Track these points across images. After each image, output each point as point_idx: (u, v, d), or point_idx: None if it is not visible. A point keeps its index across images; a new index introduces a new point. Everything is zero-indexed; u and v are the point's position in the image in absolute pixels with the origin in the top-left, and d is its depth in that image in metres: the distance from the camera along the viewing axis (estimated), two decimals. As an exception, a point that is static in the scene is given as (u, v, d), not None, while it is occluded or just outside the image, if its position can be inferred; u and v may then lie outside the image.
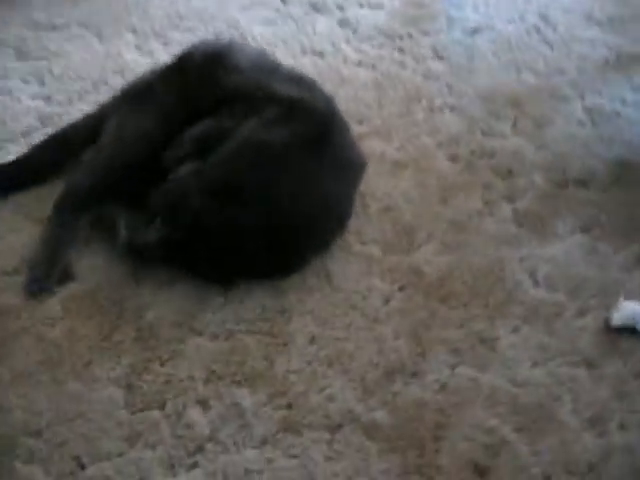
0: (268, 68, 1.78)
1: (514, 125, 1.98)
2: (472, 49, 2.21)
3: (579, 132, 1.96)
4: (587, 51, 2.21)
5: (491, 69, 2.15)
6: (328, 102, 1.75)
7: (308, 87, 1.75)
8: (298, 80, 1.76)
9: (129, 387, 1.43)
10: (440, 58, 2.18)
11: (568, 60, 2.19)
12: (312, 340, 1.50)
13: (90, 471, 1.33)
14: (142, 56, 2.10)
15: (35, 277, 1.57)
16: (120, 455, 1.35)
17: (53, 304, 1.55)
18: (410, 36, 2.24)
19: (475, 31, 2.24)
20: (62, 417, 1.39)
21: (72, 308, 1.54)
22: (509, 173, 1.85)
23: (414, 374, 1.46)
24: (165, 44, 2.15)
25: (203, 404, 1.41)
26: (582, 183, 1.83)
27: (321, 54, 2.16)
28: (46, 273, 1.57)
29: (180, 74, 1.75)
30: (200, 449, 1.35)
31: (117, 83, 1.97)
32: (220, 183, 1.53)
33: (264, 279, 1.56)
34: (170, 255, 1.50)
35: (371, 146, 1.87)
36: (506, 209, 1.77)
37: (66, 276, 1.59)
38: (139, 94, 1.74)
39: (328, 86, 1.86)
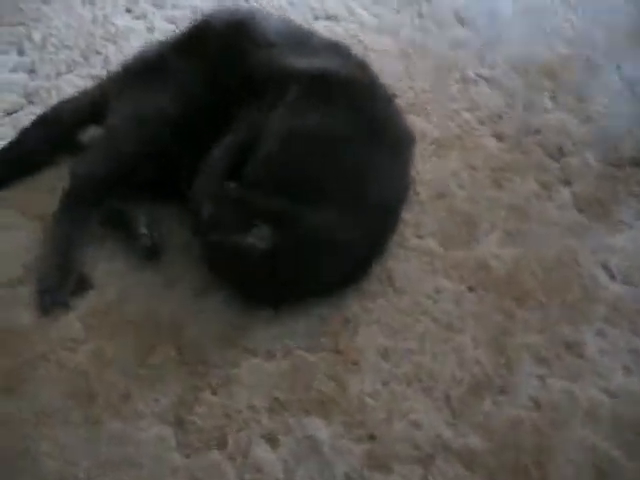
0: (300, 38, 1.52)
1: (554, 98, 1.81)
2: (494, 14, 2.00)
3: (621, 105, 1.81)
4: (611, 17, 2.04)
5: (518, 36, 1.96)
6: (368, 72, 1.51)
7: (346, 56, 1.51)
8: (335, 49, 1.51)
9: (180, 423, 1.19)
10: (463, 24, 1.97)
11: (594, 27, 2.02)
12: (385, 355, 1.30)
13: (146, 531, 1.09)
14: (135, 20, 1.81)
15: (46, 288, 1.30)
16: (181, 509, 1.10)
17: (71, 321, 1.29)
18: (427, -1, 2.02)
19: (492, -6, 2.04)
20: (104, 465, 1.14)
21: (95, 325, 1.29)
22: (560, 152, 1.68)
23: (502, 389, 1.28)
24: (158, 7, 1.86)
25: (271, 439, 1.18)
26: (637, 163, 1.66)
27: (336, 19, 1.91)
28: (59, 283, 1.31)
29: (198, 45, 1.48)
30: (276, 495, 1.12)
31: (111, 52, 1.69)
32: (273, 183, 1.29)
33: (329, 292, 1.33)
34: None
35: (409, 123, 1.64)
36: (565, 193, 1.60)
37: (83, 285, 1.33)
38: (151, 68, 1.47)
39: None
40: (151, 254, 1.36)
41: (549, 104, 1.79)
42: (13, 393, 1.20)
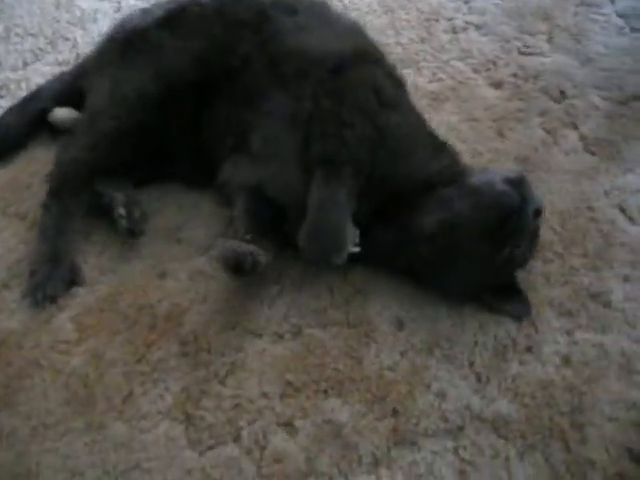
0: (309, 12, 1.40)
1: (550, 40, 1.72)
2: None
3: (621, 41, 1.72)
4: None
5: (504, -22, 1.86)
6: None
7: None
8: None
9: (188, 419, 1.10)
10: (443, -28, 1.87)
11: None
12: (399, 325, 1.21)
13: (165, 539, 1.00)
14: (101, 2, 1.70)
15: (38, 282, 1.20)
16: (201, 512, 1.02)
17: (63, 323, 1.20)
18: (400, -51, 1.91)
19: None
20: (112, 473, 1.05)
21: (88, 324, 1.20)
22: (562, 95, 1.59)
23: (528, 349, 1.20)
24: (125, -15, 1.76)
25: (288, 427, 1.10)
26: (644, 98, 1.57)
27: (311, -22, 1.79)
28: (50, 274, 1.21)
29: (190, 21, 1.36)
30: (300, 487, 1.04)
31: (79, 36, 1.58)
32: None
33: None
34: None
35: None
36: (572, 137, 1.51)
37: (74, 281, 1.23)
38: (131, 44, 1.36)
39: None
40: (131, 234, 1.27)
41: (546, 47, 1.70)
42: (6, 407, 1.11)
